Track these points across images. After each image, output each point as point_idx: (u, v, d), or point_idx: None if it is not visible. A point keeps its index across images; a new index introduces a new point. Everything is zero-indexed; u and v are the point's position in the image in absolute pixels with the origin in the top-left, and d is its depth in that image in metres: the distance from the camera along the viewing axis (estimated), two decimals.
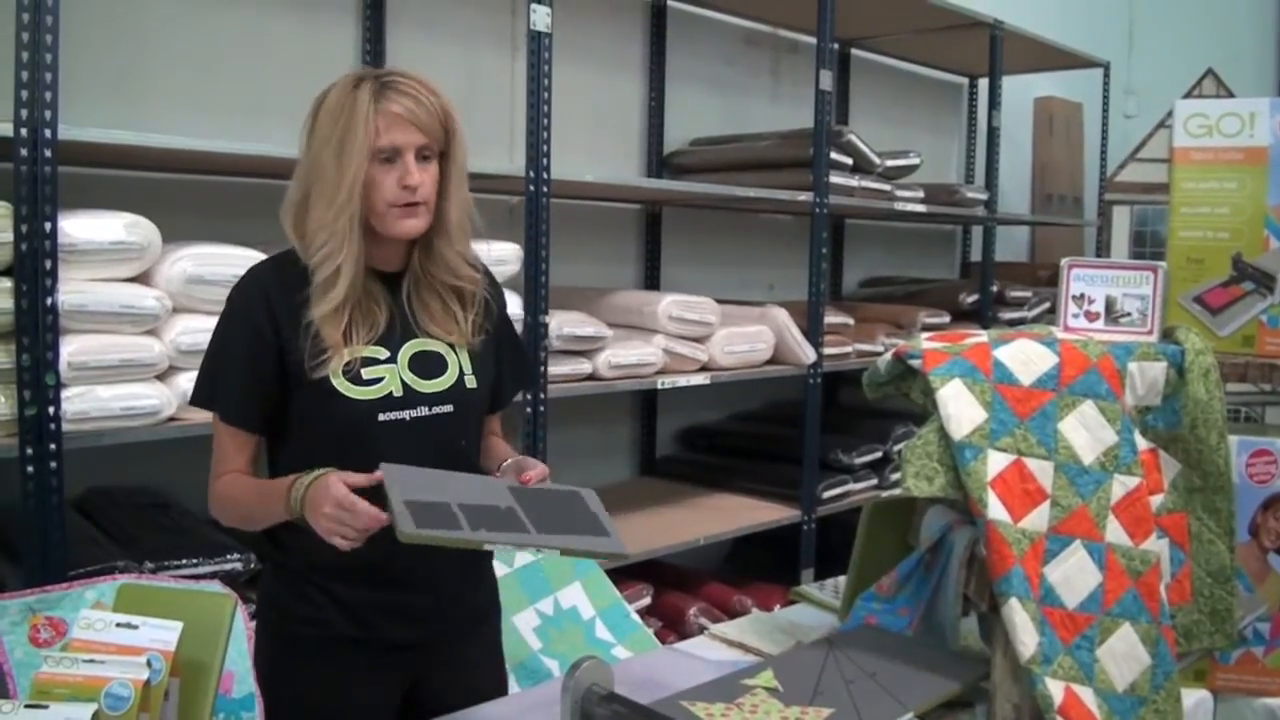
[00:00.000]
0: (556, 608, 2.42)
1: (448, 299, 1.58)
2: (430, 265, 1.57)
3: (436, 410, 1.54)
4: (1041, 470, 1.48)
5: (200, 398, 1.56)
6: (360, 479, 1.37)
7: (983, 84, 4.96)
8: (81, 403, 1.97)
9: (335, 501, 1.34)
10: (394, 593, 1.54)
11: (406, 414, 1.52)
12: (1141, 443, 1.56)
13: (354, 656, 1.51)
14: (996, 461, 1.46)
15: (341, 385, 1.49)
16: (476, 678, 1.65)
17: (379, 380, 1.51)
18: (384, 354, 1.52)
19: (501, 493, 1.42)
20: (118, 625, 1.28)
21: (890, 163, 3.78)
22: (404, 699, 1.62)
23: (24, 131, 1.88)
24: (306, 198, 1.51)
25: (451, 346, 1.59)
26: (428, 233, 1.55)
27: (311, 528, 1.39)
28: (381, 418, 1.50)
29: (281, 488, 1.44)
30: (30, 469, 1.91)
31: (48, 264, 1.91)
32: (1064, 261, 1.76)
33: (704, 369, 3.19)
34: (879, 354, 1.68)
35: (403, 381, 1.53)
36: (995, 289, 4.43)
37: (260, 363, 1.50)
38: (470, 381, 1.59)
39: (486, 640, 1.72)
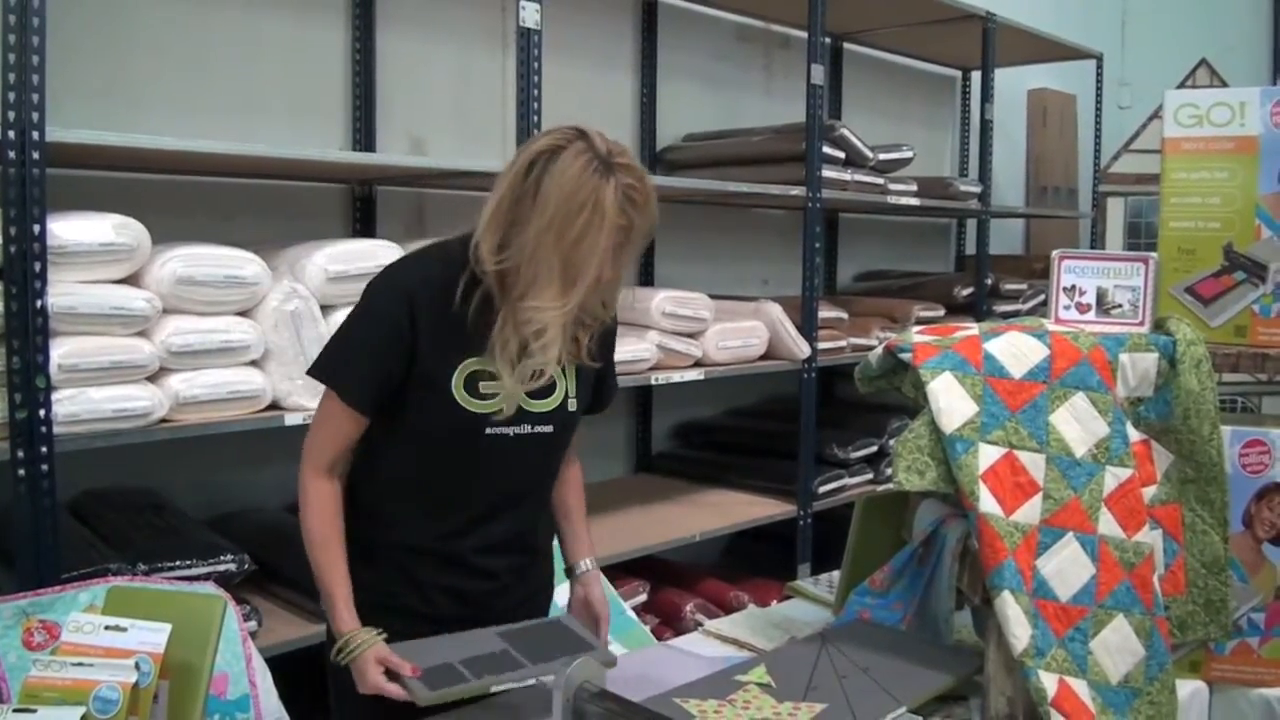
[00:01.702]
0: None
1: (571, 325, 1.61)
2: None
3: (538, 429, 1.63)
4: (1033, 463, 1.48)
5: (323, 373, 1.60)
6: (394, 660, 1.48)
7: (975, 77, 4.95)
8: (73, 405, 1.96)
9: (371, 686, 1.48)
10: (459, 578, 1.63)
11: (511, 430, 1.60)
12: (1134, 434, 1.56)
13: (412, 627, 1.57)
14: (988, 454, 1.46)
15: (460, 396, 1.56)
16: None
17: (494, 395, 1.57)
18: None
19: (492, 639, 1.56)
20: (106, 628, 1.28)
21: (883, 156, 3.78)
22: None
23: (11, 134, 1.87)
24: (517, 268, 1.50)
25: (563, 368, 1.64)
26: None
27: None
28: (489, 431, 1.58)
29: (339, 609, 1.53)
30: (22, 472, 1.90)
31: (37, 266, 1.90)
32: (1055, 253, 1.76)
33: (698, 365, 3.19)
34: (873, 348, 1.67)
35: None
36: (990, 282, 4.42)
37: (390, 359, 1.55)
38: (572, 405, 1.66)
39: None
